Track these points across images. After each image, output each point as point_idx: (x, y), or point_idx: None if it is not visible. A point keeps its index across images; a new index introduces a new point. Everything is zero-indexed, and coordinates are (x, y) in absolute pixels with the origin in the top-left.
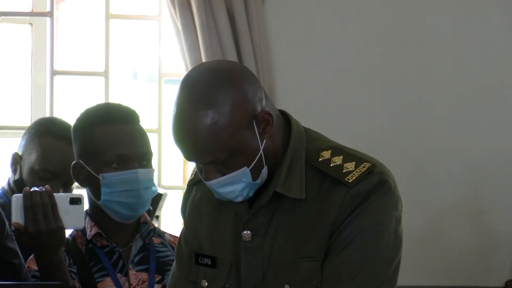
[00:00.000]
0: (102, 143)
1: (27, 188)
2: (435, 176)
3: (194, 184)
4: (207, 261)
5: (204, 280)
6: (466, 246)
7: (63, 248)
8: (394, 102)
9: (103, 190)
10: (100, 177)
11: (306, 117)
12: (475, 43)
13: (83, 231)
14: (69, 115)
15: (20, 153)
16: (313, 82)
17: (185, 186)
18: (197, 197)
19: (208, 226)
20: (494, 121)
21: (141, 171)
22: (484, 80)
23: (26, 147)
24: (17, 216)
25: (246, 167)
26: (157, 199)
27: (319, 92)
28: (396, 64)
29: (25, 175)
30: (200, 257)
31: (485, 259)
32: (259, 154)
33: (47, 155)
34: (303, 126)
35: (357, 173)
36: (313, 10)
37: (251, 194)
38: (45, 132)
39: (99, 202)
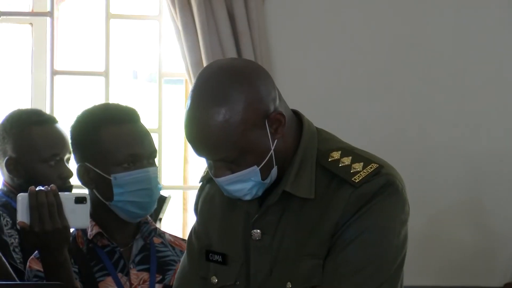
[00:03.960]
0: (111, 143)
1: (32, 187)
2: (435, 176)
3: (207, 181)
4: (218, 257)
5: (214, 277)
6: (466, 246)
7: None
8: (394, 101)
9: (116, 190)
10: (111, 178)
11: (306, 116)
12: (475, 43)
13: (84, 230)
14: (69, 115)
15: (13, 155)
16: (313, 82)
17: (185, 186)
18: (210, 194)
19: (219, 223)
20: (494, 121)
21: (151, 170)
22: (484, 80)
23: (18, 146)
24: (23, 215)
25: (256, 166)
26: (161, 202)
27: (319, 92)
28: (396, 63)
29: (33, 170)
30: (210, 254)
31: (485, 259)
32: (270, 154)
33: (47, 141)
34: (316, 127)
35: (364, 173)
36: (313, 10)
37: (259, 193)
38: (29, 124)
39: (111, 203)
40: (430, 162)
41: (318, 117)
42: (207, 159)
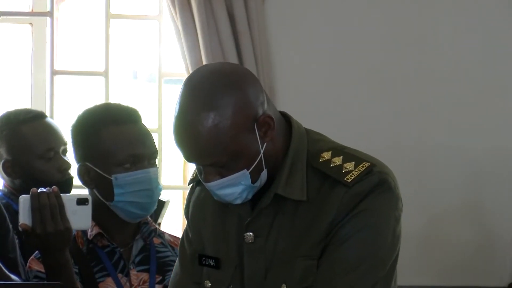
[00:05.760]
0: (112, 143)
1: (34, 189)
2: (435, 176)
3: (197, 184)
4: (211, 262)
5: (207, 281)
6: (466, 246)
7: None
8: (394, 102)
9: (116, 191)
10: (112, 178)
11: (305, 117)
12: (475, 43)
13: (84, 231)
14: (69, 115)
15: (9, 158)
16: (313, 82)
17: (185, 186)
18: (200, 198)
19: (211, 227)
20: (494, 121)
21: (152, 170)
22: (484, 80)
23: (11, 148)
24: (24, 217)
25: (245, 170)
26: (160, 207)
27: (319, 92)
28: (396, 64)
29: (31, 168)
30: (203, 258)
31: (485, 259)
32: (259, 157)
33: (39, 137)
34: (305, 128)
35: (356, 172)
36: (313, 10)
37: (250, 197)
38: (18, 124)
39: (111, 203)
40: (430, 162)
41: (317, 116)
42: (197, 164)
